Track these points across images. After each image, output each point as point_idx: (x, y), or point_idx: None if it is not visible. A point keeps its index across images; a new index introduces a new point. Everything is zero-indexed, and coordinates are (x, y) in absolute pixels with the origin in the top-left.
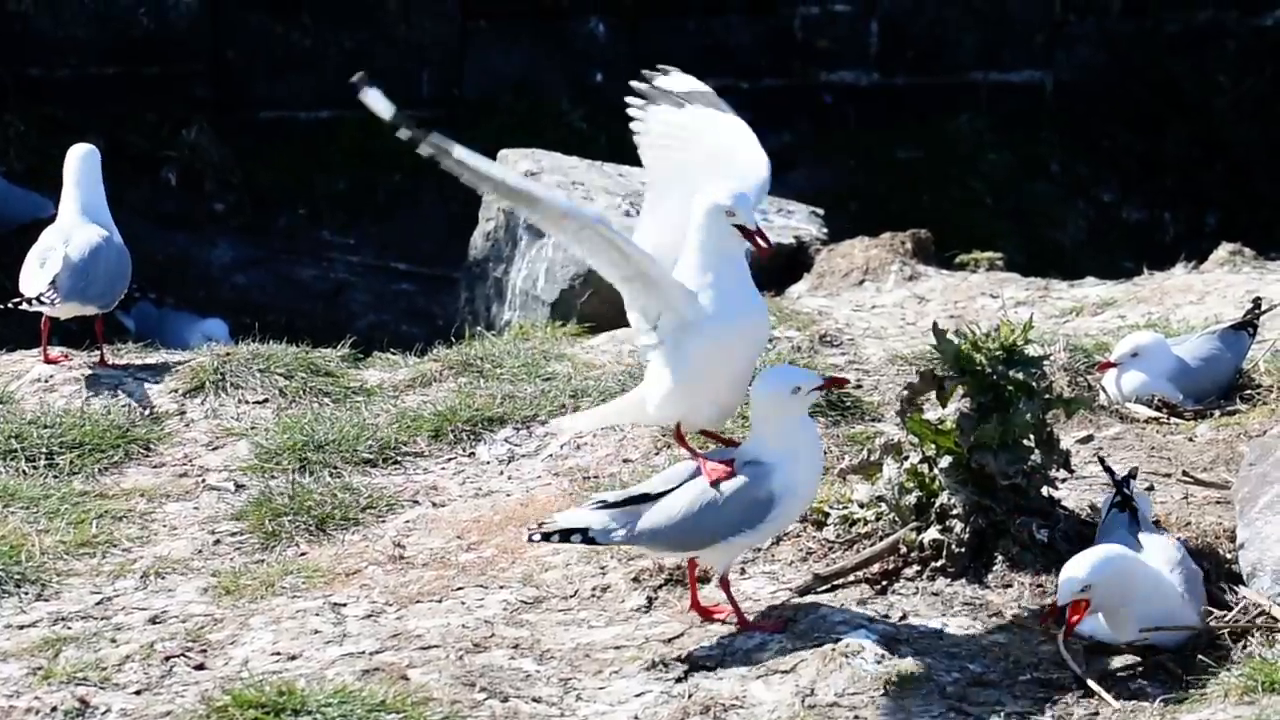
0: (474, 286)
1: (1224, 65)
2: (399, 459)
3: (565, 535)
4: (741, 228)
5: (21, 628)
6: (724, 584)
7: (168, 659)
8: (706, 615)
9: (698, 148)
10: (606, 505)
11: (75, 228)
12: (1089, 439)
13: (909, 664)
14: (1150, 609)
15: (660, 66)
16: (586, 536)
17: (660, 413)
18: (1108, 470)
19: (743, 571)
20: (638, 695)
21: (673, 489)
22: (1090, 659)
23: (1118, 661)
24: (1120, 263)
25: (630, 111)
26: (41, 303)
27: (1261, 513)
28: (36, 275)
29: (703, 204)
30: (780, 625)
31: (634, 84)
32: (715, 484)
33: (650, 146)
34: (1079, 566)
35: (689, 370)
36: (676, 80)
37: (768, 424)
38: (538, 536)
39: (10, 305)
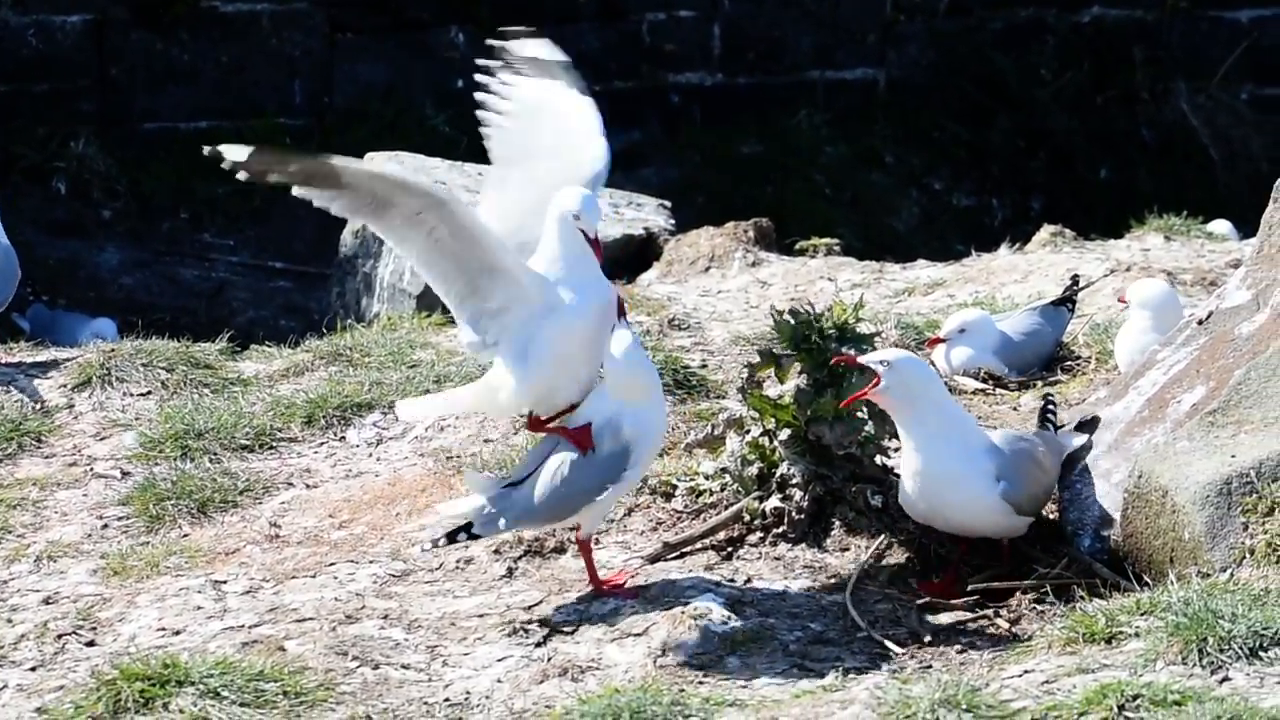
0: (344, 281)
1: (1045, 60)
2: (274, 444)
3: (452, 536)
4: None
5: None
6: (585, 546)
7: (60, 637)
8: (603, 586)
9: (543, 131)
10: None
11: None
12: None
13: (754, 625)
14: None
15: (524, 29)
16: (470, 532)
17: (518, 400)
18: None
19: (597, 542)
20: (500, 660)
21: (537, 468)
22: (922, 615)
23: (948, 618)
24: (951, 246)
25: (478, 77)
26: None
27: (1080, 475)
28: None
29: (555, 211)
30: (634, 591)
31: (491, 42)
32: (584, 450)
33: (496, 125)
34: (891, 349)
35: (550, 356)
36: (536, 47)
37: (622, 385)
38: (428, 545)
39: None
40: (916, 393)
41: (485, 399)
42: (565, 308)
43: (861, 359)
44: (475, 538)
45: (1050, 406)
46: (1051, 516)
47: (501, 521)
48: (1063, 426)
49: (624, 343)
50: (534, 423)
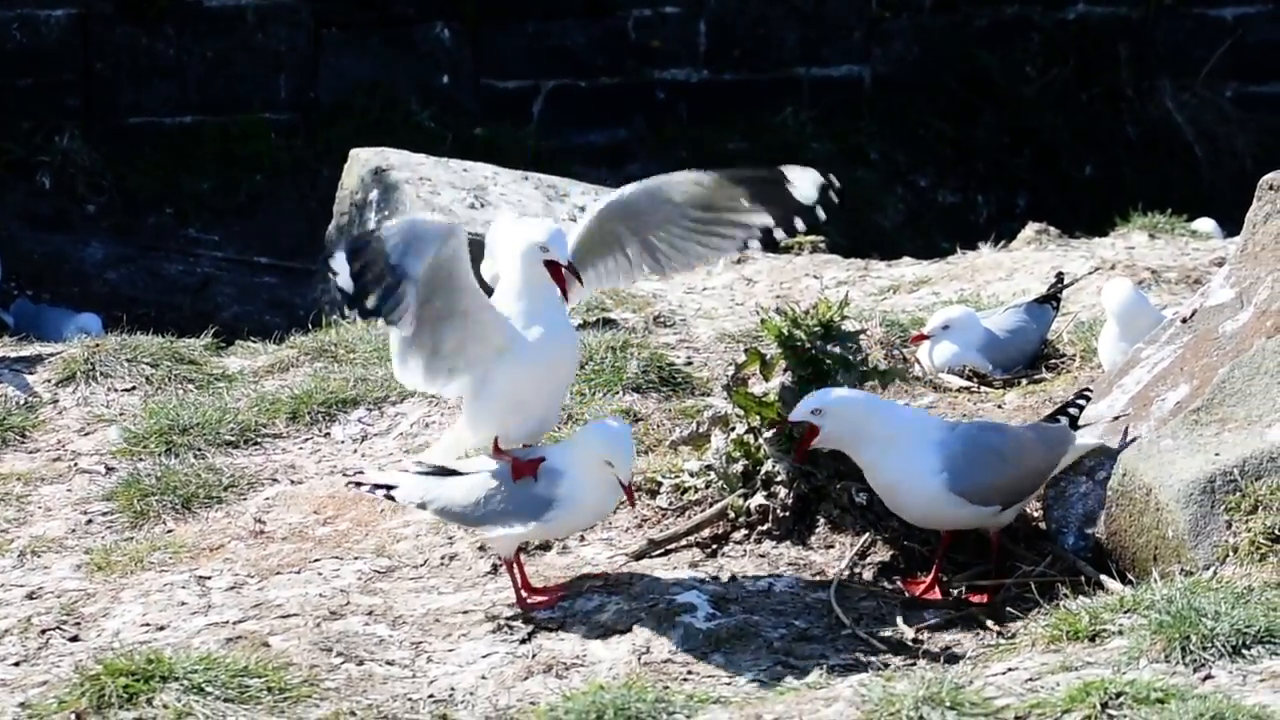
0: (330, 277)
1: (1030, 56)
2: (259, 440)
3: (374, 487)
4: (553, 263)
5: None
6: (508, 564)
7: (44, 632)
8: (523, 605)
9: None
10: (421, 471)
11: None
12: None
13: (738, 622)
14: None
15: None
16: (389, 493)
17: (478, 435)
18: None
19: (582, 539)
20: (485, 656)
21: (475, 470)
22: (906, 612)
23: (932, 615)
24: (936, 243)
25: None
26: None
27: (1064, 473)
28: None
29: (521, 244)
30: (556, 594)
31: None
32: (517, 478)
33: None
34: (818, 393)
35: (504, 394)
36: None
37: (580, 455)
38: (352, 484)
39: None
40: (857, 424)
41: (460, 442)
42: (520, 349)
43: (792, 416)
44: (391, 499)
45: (1078, 400)
46: (1035, 515)
47: (417, 497)
48: (1082, 425)
49: (603, 428)
50: (496, 448)
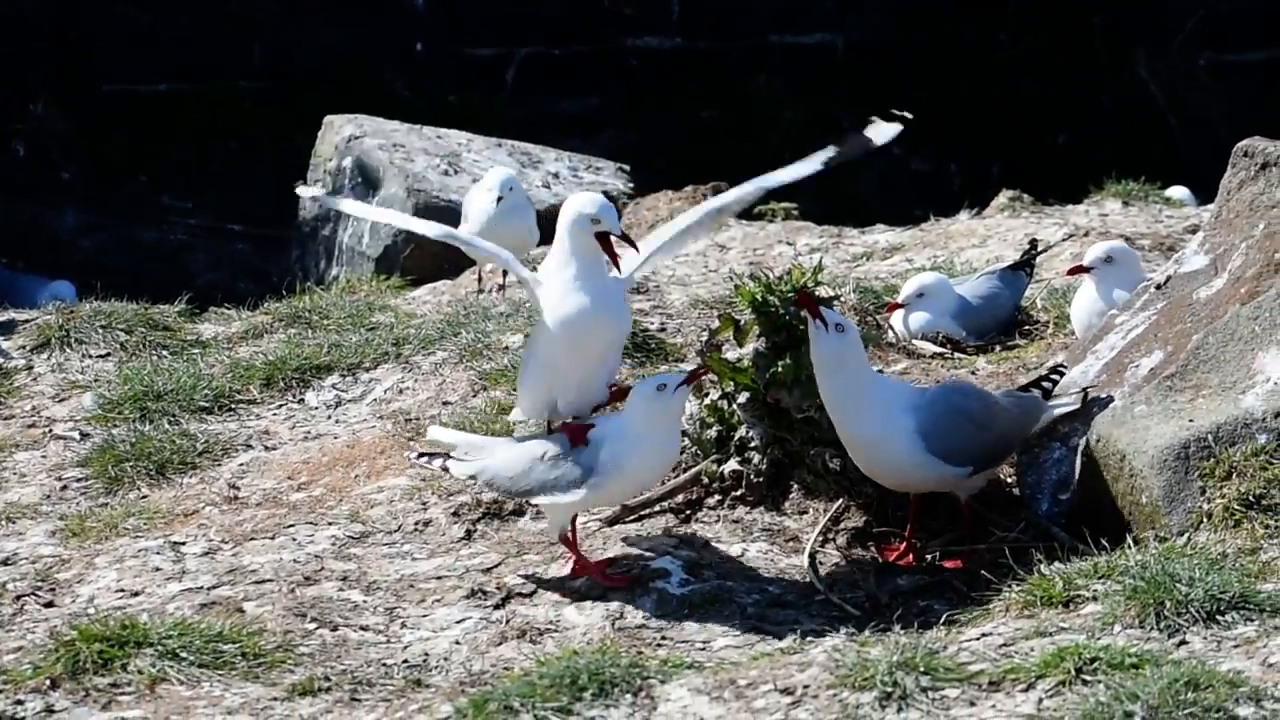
0: (305, 245)
1: (1004, 26)
2: (233, 406)
3: (432, 456)
4: (604, 236)
5: None
6: (563, 538)
7: (19, 598)
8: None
9: None
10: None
11: None
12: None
13: (712, 587)
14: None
15: None
16: (444, 464)
17: (525, 404)
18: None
19: None
20: (459, 622)
21: (528, 440)
22: (880, 578)
23: (906, 581)
24: (910, 211)
25: None
26: None
27: (1039, 440)
28: None
29: (569, 213)
30: (624, 580)
31: None
32: (573, 444)
33: None
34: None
35: (539, 361)
36: None
37: (638, 417)
38: (414, 457)
39: None
40: (848, 359)
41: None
42: (550, 318)
43: (824, 310)
44: (446, 470)
45: (1053, 375)
46: (1009, 480)
47: (469, 469)
48: (1055, 395)
49: (640, 392)
50: (549, 426)
